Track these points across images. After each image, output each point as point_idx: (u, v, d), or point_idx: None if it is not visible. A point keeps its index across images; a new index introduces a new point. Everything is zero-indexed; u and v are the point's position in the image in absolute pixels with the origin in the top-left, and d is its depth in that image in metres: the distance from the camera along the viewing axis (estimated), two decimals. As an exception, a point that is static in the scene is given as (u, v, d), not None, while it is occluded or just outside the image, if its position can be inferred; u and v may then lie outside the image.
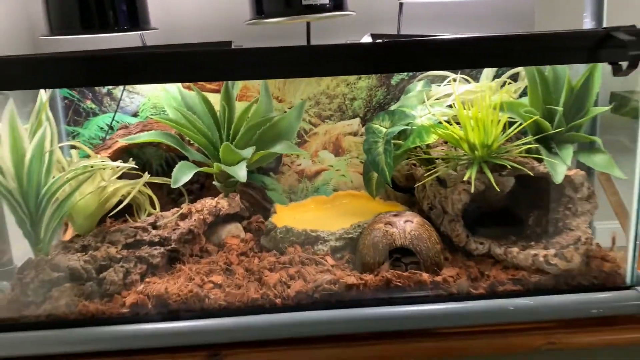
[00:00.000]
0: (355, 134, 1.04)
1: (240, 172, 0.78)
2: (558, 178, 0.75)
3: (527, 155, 0.82)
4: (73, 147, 0.90)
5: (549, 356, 0.70)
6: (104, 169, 0.82)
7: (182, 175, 0.79)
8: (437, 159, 0.87)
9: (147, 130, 0.90)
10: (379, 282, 0.74)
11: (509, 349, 0.70)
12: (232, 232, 0.92)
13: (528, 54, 0.67)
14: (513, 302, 0.71)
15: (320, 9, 0.84)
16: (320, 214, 0.96)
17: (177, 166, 0.80)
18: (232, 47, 0.80)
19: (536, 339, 0.70)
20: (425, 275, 0.74)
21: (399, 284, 0.72)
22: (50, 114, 0.80)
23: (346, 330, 0.71)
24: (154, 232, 0.84)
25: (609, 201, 0.87)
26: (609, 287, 0.73)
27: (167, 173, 0.85)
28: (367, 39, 0.84)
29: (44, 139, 0.76)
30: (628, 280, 0.75)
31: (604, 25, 0.83)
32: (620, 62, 0.65)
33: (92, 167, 0.80)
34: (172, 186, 0.77)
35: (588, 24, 0.83)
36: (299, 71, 0.72)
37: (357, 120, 1.03)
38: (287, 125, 0.90)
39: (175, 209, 0.88)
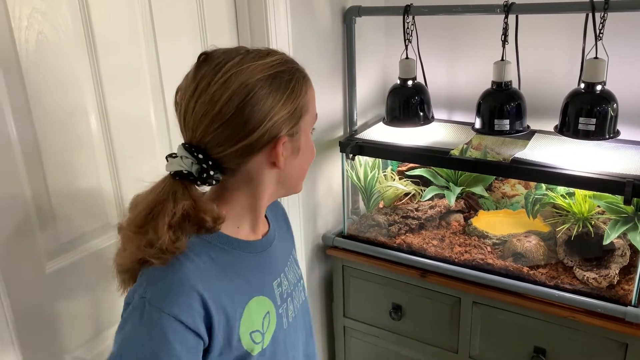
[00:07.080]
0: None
1: (452, 199, 1.70)
2: (606, 241, 1.44)
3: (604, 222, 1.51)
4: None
5: (561, 322, 1.47)
6: (396, 179, 1.84)
7: (430, 193, 1.75)
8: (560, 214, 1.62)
9: (419, 167, 1.87)
10: (503, 265, 1.59)
11: (551, 312, 1.49)
12: (455, 219, 1.85)
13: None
14: (558, 293, 1.48)
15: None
16: (504, 220, 1.79)
17: (428, 188, 1.77)
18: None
19: (560, 311, 1.47)
20: (525, 269, 1.55)
21: (513, 270, 1.57)
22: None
23: (479, 280, 1.60)
24: (415, 212, 1.84)
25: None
26: (612, 301, 1.42)
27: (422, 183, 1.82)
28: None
29: (375, 168, 1.82)
30: (633, 301, 1.41)
31: None
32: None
33: (393, 178, 1.83)
34: (421, 200, 1.75)
35: None
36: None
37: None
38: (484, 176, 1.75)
39: (428, 201, 1.86)
